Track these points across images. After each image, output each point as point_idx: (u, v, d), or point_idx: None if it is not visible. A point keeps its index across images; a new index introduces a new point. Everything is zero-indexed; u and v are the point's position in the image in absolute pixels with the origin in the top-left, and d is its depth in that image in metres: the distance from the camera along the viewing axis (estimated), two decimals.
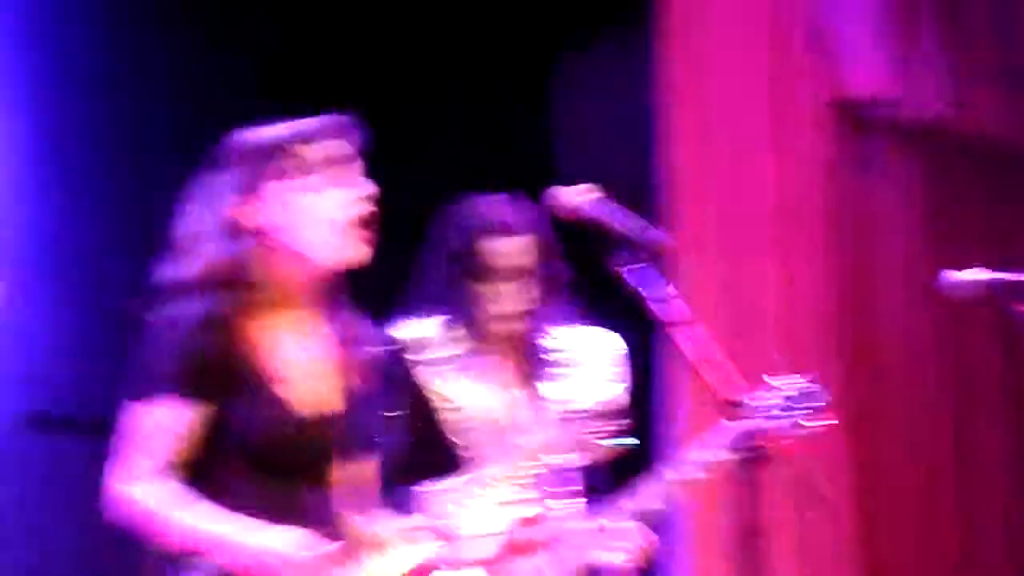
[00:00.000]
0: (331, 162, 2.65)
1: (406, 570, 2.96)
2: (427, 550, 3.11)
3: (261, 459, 2.60)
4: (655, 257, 2.85)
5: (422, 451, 3.43)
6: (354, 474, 2.76)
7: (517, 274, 3.37)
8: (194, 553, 2.55)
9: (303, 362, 2.67)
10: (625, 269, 2.73)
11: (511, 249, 3.42)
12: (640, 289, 2.74)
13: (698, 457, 3.03)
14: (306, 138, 2.67)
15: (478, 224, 3.40)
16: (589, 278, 3.27)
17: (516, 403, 3.51)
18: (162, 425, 2.53)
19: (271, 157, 2.66)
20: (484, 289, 3.36)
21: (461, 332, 3.40)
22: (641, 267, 2.73)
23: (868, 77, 5.62)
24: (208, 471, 2.58)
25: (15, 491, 5.75)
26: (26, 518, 5.73)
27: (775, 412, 2.99)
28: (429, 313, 3.46)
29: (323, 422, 2.66)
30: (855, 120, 5.66)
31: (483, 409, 3.50)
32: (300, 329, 2.67)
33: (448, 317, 3.38)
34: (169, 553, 2.63)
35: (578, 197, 2.81)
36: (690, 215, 5.24)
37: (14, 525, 5.63)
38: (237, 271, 2.63)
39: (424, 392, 3.39)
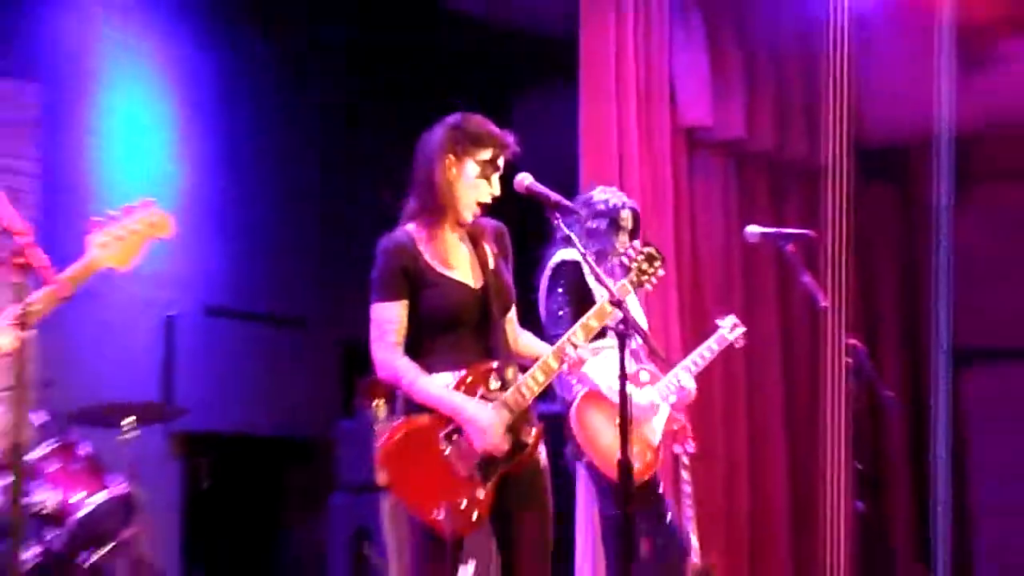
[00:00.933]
0: (493, 164, 3.97)
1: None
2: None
3: (448, 323, 3.89)
4: (573, 213, 4.21)
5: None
6: (502, 327, 4.00)
7: (629, 232, 5.30)
8: (423, 404, 3.84)
9: (466, 258, 3.98)
10: (558, 221, 3.98)
11: (630, 217, 5.31)
12: (569, 232, 3.98)
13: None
14: (501, 144, 3.96)
15: (618, 202, 5.36)
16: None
17: (633, 301, 4.83)
18: (389, 317, 3.88)
19: (476, 143, 3.96)
20: (615, 239, 5.23)
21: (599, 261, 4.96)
22: (567, 220, 4.02)
23: (697, 113, 7.40)
24: (415, 340, 3.91)
25: (206, 365, 7.46)
26: (214, 386, 7.43)
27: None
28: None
29: (482, 294, 3.95)
30: (690, 140, 7.49)
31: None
32: (462, 240, 3.98)
33: (594, 251, 5.07)
34: (409, 401, 3.97)
35: (528, 180, 3.96)
36: None
37: (205, 393, 7.22)
38: (431, 205, 3.95)
39: (587, 289, 5.07)
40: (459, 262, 4.11)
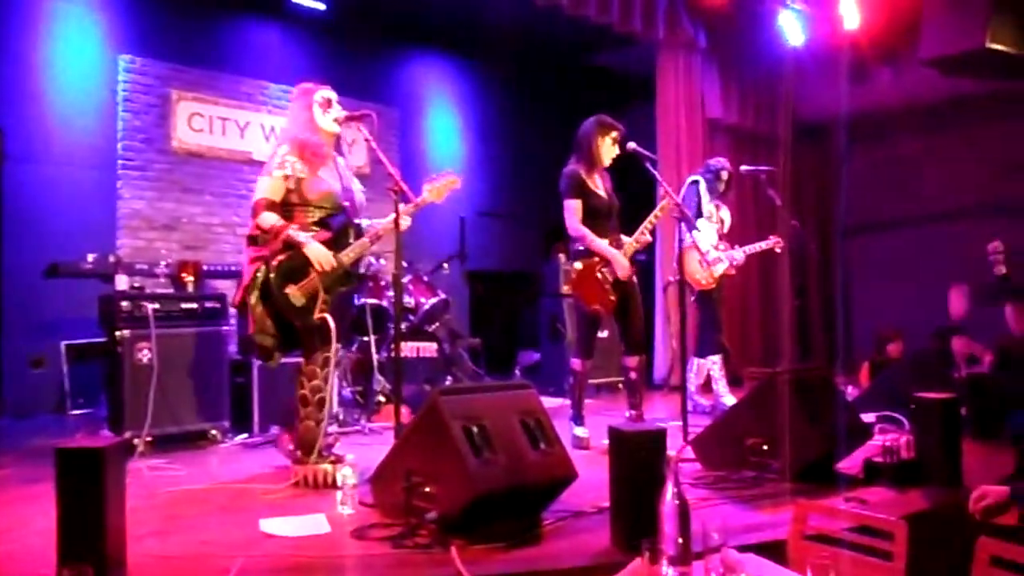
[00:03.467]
0: (615, 139, 4.39)
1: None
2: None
3: (596, 214, 4.37)
4: (656, 164, 4.48)
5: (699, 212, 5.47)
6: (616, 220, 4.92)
7: (725, 181, 5.59)
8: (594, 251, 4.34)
9: (601, 185, 4.42)
10: (649, 166, 4.33)
11: (725, 172, 5.58)
12: (656, 175, 4.40)
13: None
14: (619, 128, 4.38)
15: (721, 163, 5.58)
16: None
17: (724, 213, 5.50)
18: (574, 208, 4.37)
19: (607, 127, 4.39)
20: (718, 184, 5.53)
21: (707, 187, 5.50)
22: (654, 170, 4.37)
23: (714, 112, 7.77)
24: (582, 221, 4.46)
25: (481, 240, 7.85)
26: (484, 248, 7.94)
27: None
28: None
29: (609, 202, 4.42)
30: (711, 127, 7.78)
31: (710, 211, 5.51)
32: (601, 176, 4.44)
33: (705, 182, 5.54)
34: (579, 251, 4.31)
35: (633, 145, 4.32)
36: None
37: (479, 251, 7.61)
38: (589, 155, 4.41)
39: (701, 196, 5.52)
40: (599, 187, 4.52)
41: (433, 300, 6.08)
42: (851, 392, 5.62)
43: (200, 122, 6.91)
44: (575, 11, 6.44)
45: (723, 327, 5.66)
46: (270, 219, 3.52)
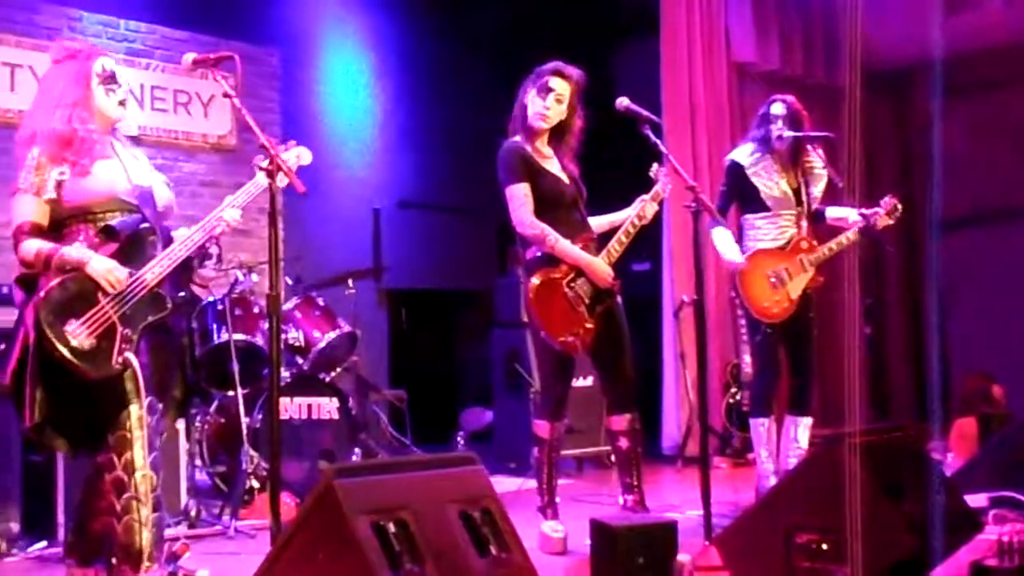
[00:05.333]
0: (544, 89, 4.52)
1: None
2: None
3: (553, 203, 4.58)
4: (658, 128, 4.59)
5: (746, 203, 5.45)
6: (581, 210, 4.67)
7: (783, 118, 5.46)
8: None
9: (554, 163, 4.62)
10: (647, 131, 4.47)
11: (781, 106, 5.52)
12: (656, 140, 4.48)
13: None
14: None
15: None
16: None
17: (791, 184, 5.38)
18: (522, 193, 4.54)
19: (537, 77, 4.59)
20: (771, 126, 5.44)
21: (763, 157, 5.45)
22: (654, 135, 4.47)
23: (745, 53, 8.11)
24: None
25: (401, 242, 8.39)
26: (407, 257, 8.29)
27: None
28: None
29: (571, 185, 4.62)
30: (740, 73, 8.22)
31: (773, 183, 5.39)
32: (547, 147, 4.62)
33: (758, 149, 5.48)
34: (538, 261, 4.51)
35: (625, 101, 4.50)
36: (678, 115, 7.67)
37: (401, 261, 7.85)
38: (521, 122, 4.64)
39: (749, 179, 5.45)
40: (553, 166, 4.75)
41: (332, 335, 6.20)
42: (952, 462, 5.75)
43: None
44: None
45: (810, 372, 5.64)
46: (34, 246, 3.56)
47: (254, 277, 6.07)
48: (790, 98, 5.66)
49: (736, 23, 8.18)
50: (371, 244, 8.05)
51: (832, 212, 5.68)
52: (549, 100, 4.63)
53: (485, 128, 8.43)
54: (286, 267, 6.43)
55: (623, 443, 4.69)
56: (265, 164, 3.62)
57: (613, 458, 5.14)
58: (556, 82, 4.63)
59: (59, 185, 3.62)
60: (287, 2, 8.32)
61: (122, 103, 3.83)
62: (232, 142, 7.74)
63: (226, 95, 3.77)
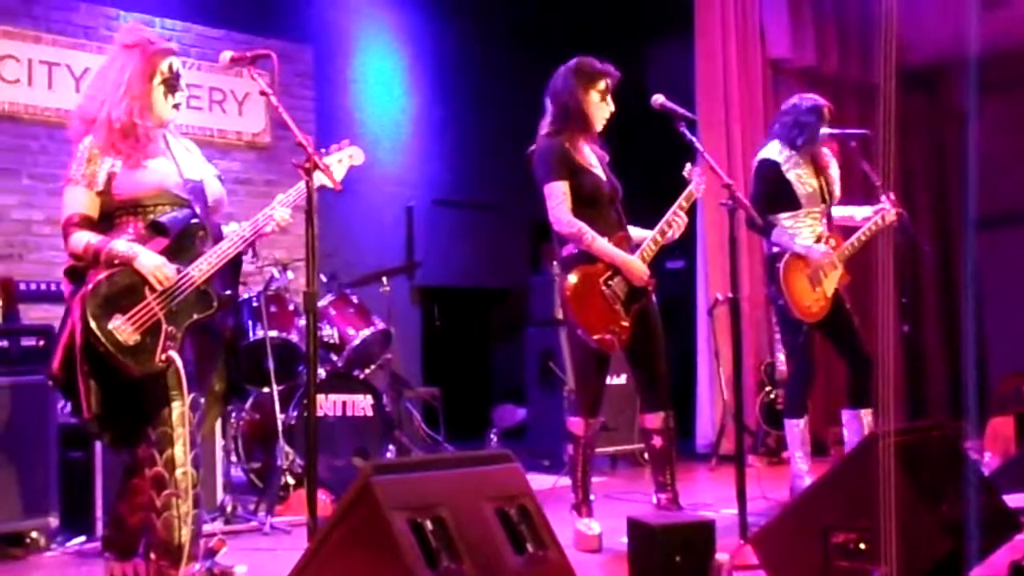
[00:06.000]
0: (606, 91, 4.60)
1: None
2: None
3: (591, 200, 4.60)
4: (694, 125, 5.20)
5: (779, 202, 5.42)
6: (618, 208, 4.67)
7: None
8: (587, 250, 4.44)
9: (594, 159, 4.64)
10: (683, 128, 4.48)
11: (825, 111, 5.53)
12: (692, 138, 4.51)
13: None
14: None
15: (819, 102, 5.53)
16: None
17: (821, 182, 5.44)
18: (561, 191, 4.55)
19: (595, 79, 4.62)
20: (820, 126, 5.47)
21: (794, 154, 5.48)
22: (690, 132, 4.50)
23: (779, 49, 8.18)
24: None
25: (435, 239, 8.55)
26: (441, 254, 8.24)
27: None
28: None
29: (609, 182, 4.66)
30: (775, 69, 8.30)
31: (805, 181, 5.42)
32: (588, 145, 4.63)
33: (787, 146, 5.49)
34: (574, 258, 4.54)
35: (661, 99, 4.53)
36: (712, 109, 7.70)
37: (434, 259, 7.94)
38: (572, 119, 4.63)
39: (785, 176, 5.47)
40: (592, 163, 4.75)
41: (367, 332, 6.22)
42: (989, 461, 5.78)
43: (14, 69, 6.92)
44: None
45: (869, 361, 5.54)
46: (84, 238, 3.58)
47: (289, 274, 6.12)
48: (820, 99, 5.69)
49: (771, 19, 8.26)
50: (404, 242, 8.06)
51: (838, 211, 5.72)
52: (609, 101, 4.71)
53: (518, 126, 8.62)
54: (320, 264, 6.51)
55: (657, 441, 4.70)
56: (303, 163, 3.58)
57: (647, 456, 5.16)
58: (610, 81, 4.71)
59: (110, 177, 3.64)
60: None
61: (176, 107, 3.84)
62: (266, 139, 7.80)
63: (263, 93, 3.78)
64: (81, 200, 3.64)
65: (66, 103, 7.00)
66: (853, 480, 3.58)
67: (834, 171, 5.71)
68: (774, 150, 5.62)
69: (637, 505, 5.31)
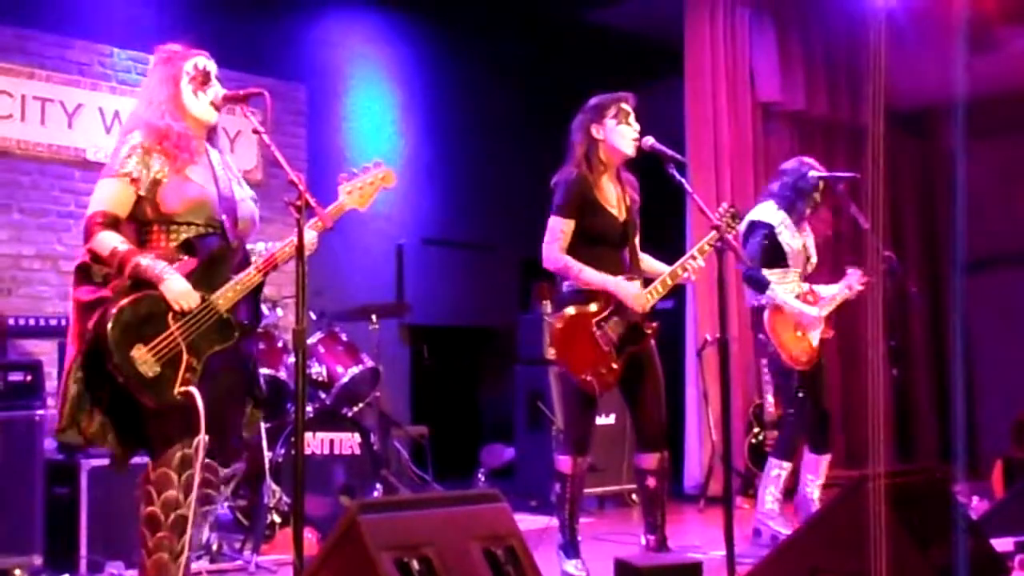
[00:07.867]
0: (624, 114, 4.55)
1: None
2: None
3: (599, 239, 4.56)
4: (683, 167, 4.58)
5: (769, 262, 5.42)
6: (632, 247, 4.63)
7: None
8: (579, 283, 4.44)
9: (613, 197, 4.61)
10: (672, 171, 4.41)
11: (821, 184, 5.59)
12: (682, 180, 4.43)
13: None
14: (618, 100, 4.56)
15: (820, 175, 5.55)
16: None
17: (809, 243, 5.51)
18: (560, 229, 4.53)
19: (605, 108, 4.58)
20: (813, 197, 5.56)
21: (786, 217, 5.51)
22: (679, 174, 4.42)
23: (769, 93, 8.20)
24: (572, 249, 4.48)
25: (424, 278, 8.40)
26: (431, 293, 8.35)
27: None
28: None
29: (624, 222, 4.60)
30: (765, 113, 8.29)
31: (800, 247, 5.53)
32: (612, 182, 4.59)
33: (783, 209, 5.53)
34: (567, 296, 4.53)
35: (650, 140, 4.54)
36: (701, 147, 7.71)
37: (424, 298, 7.86)
38: (589, 157, 4.59)
39: (779, 239, 5.48)
40: (611, 203, 4.71)
41: (355, 370, 6.22)
42: (978, 506, 5.76)
43: (7, 104, 6.90)
44: None
45: (830, 413, 5.80)
46: (110, 241, 3.49)
47: (279, 311, 6.07)
48: (820, 166, 5.73)
49: (761, 63, 8.25)
50: (394, 280, 7.95)
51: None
52: (633, 122, 4.65)
53: (509, 167, 8.78)
54: (309, 302, 6.43)
55: (651, 482, 4.68)
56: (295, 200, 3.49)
57: (637, 496, 5.17)
58: (625, 105, 4.67)
59: (155, 184, 3.58)
60: (314, 38, 8.40)
61: (215, 106, 3.78)
62: (258, 176, 7.76)
63: (255, 131, 3.74)
64: (111, 196, 3.57)
65: (58, 139, 7.07)
66: (842, 522, 3.58)
67: (809, 238, 5.76)
68: (768, 210, 5.65)
69: (624, 547, 5.28)
